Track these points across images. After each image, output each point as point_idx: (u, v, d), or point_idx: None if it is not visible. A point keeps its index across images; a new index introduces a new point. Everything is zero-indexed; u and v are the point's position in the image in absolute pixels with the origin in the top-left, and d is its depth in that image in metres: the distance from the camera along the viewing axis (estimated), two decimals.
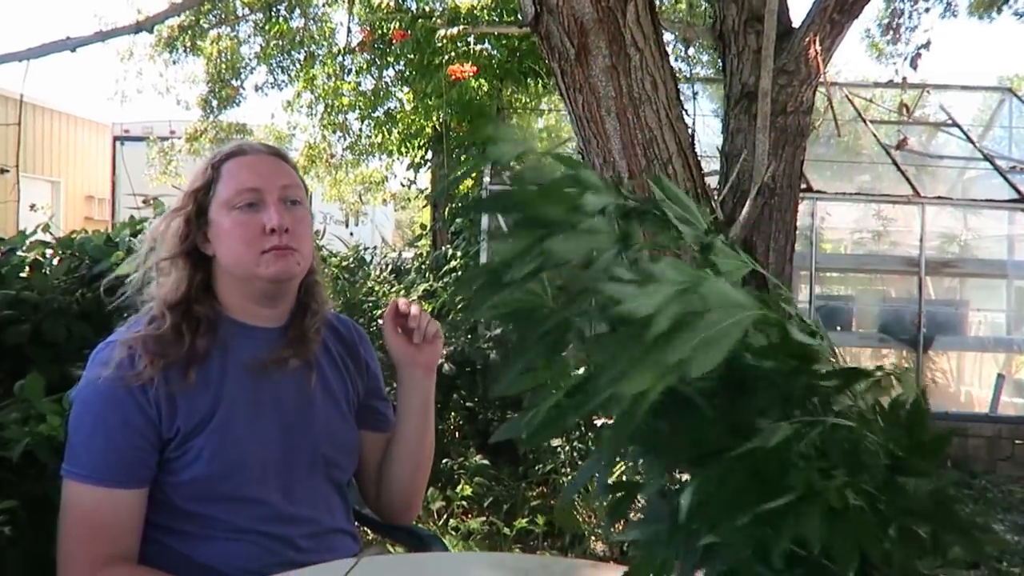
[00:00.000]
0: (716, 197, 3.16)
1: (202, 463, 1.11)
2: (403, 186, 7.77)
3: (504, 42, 5.67)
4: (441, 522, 2.55)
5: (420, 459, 1.33)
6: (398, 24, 5.36)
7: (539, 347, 0.63)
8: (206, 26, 7.15)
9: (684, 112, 3.28)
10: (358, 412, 1.33)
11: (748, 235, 3.10)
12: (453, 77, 4.89)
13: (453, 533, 2.52)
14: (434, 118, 6.31)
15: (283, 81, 7.43)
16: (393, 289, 4.66)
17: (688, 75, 5.20)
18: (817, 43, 3.07)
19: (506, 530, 2.56)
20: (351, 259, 4.60)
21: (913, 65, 5.04)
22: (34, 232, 2.70)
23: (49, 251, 2.27)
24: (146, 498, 1.11)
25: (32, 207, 3.69)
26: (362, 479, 1.38)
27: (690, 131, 3.15)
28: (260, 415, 1.18)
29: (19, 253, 2.31)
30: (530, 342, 0.60)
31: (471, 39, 5.17)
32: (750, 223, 3.08)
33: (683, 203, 0.64)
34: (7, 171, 11.69)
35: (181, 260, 1.19)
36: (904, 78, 5.21)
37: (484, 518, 2.70)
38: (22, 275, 2.12)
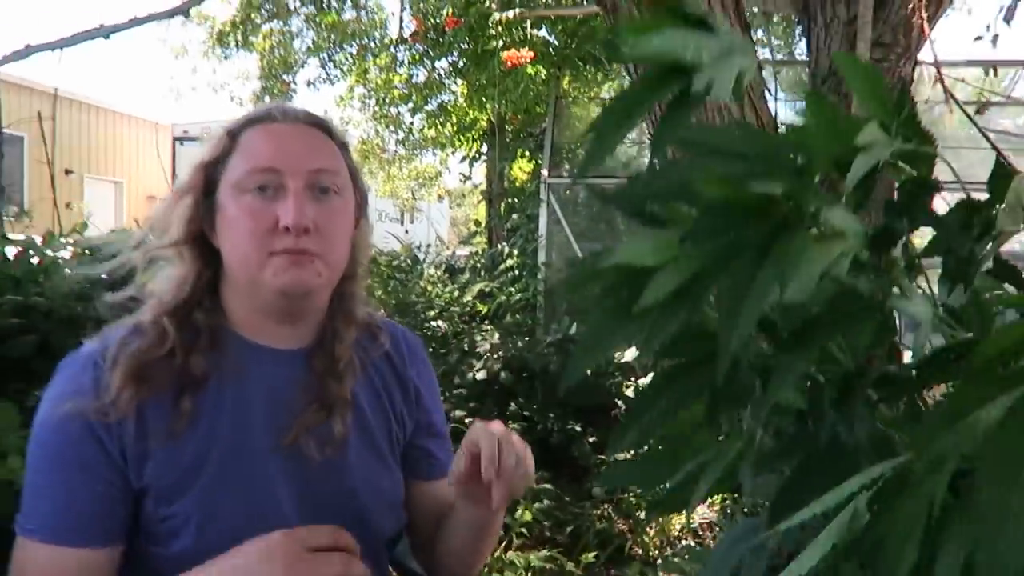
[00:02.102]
0: None
1: (189, 534, 0.85)
2: (460, 181, 7.56)
3: (561, 27, 5.37)
4: (498, 553, 2.29)
5: (485, 535, 1.03)
6: (451, 10, 5.11)
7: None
8: (258, 21, 7.04)
9: (767, 90, 2.94)
10: (404, 455, 1.04)
11: None
12: (509, 64, 4.62)
13: (513, 567, 2.25)
14: (488, 110, 6.06)
15: (335, 76, 7.27)
16: (447, 289, 4.42)
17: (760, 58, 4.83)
18: (922, 10, 2.71)
19: (570, 565, 2.29)
20: (403, 258, 4.37)
21: (1007, 19, 4.59)
22: (70, 233, 2.53)
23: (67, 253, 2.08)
24: (116, 561, 0.85)
25: (68, 205, 3.55)
26: (411, 530, 1.09)
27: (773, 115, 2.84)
28: (270, 469, 0.91)
29: (50, 254, 2.13)
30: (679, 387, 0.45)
31: (527, 24, 4.88)
32: None
33: None
34: (72, 172, 11.97)
35: (186, 251, 0.92)
36: (996, 35, 4.78)
37: (546, 552, 2.42)
38: (40, 279, 1.94)
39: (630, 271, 0.41)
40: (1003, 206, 0.42)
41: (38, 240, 2.15)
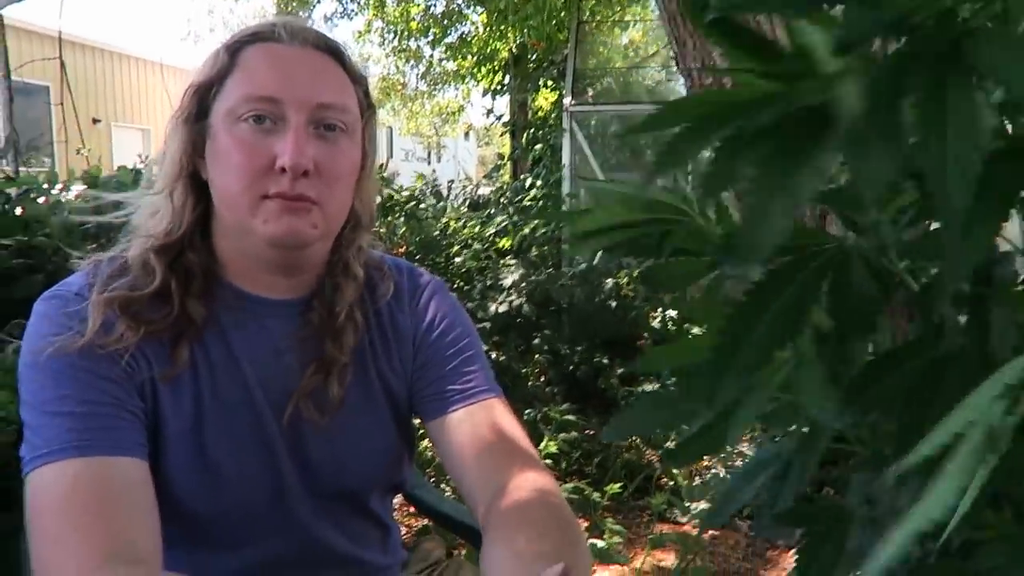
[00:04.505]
0: None
1: (183, 496, 0.81)
2: (483, 115, 7.42)
3: None
4: None
5: None
6: None
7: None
8: None
9: None
10: (412, 398, 0.94)
11: None
12: None
13: None
14: (510, 38, 5.86)
15: (352, 10, 7.09)
16: (469, 223, 4.35)
17: None
18: None
19: (596, 496, 2.27)
20: (421, 190, 4.29)
21: None
22: (82, 175, 2.49)
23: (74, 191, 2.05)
24: (148, 476, 0.76)
25: (78, 151, 3.51)
26: (445, 466, 0.94)
27: None
28: (267, 425, 0.85)
29: (53, 193, 2.11)
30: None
31: None
32: None
33: None
34: (99, 121, 12.01)
35: (180, 185, 0.84)
36: None
37: (572, 484, 2.41)
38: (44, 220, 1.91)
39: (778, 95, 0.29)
40: None
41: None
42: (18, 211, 1.89)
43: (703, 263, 0.42)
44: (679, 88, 4.46)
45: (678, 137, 0.30)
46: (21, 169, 2.99)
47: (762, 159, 0.29)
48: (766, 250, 0.28)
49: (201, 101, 0.83)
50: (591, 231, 0.37)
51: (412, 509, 2.19)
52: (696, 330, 3.41)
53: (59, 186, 2.12)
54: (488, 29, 6.09)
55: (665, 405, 0.44)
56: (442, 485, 2.39)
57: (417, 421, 0.97)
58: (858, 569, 0.49)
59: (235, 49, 0.83)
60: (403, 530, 1.19)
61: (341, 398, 0.87)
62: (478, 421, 0.88)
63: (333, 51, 0.85)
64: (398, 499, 1.16)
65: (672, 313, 3.38)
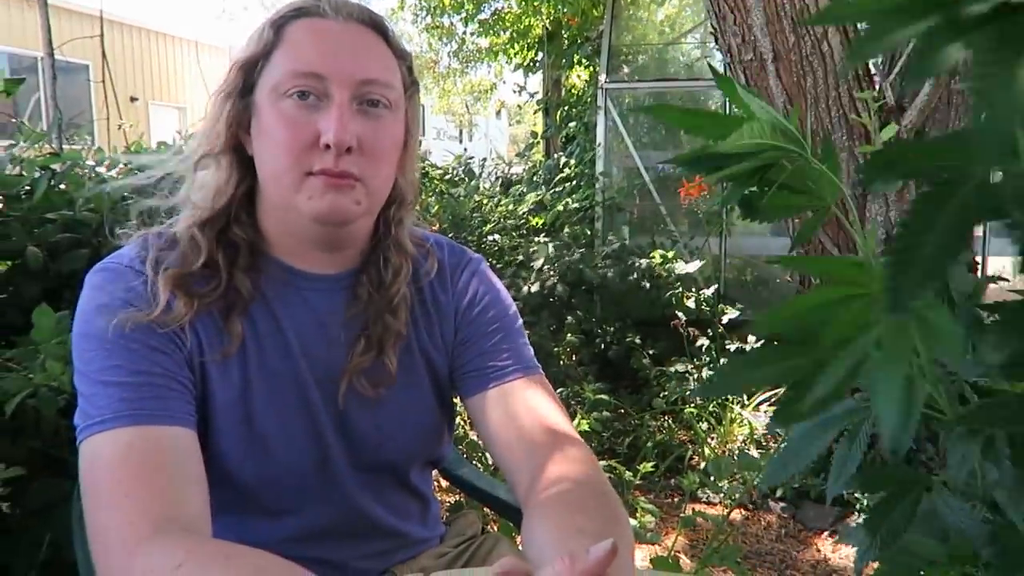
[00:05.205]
0: (883, 79, 2.61)
1: (231, 464, 0.83)
2: (514, 92, 7.36)
3: None
4: None
5: None
6: None
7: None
8: None
9: None
10: (452, 375, 0.95)
11: (922, 125, 2.55)
12: None
13: None
14: (544, 14, 5.80)
15: None
16: (502, 202, 4.34)
17: None
18: None
19: (628, 475, 2.27)
20: (455, 170, 4.29)
21: None
22: (124, 152, 2.53)
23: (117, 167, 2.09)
24: (197, 445, 0.78)
25: (119, 127, 3.57)
26: (485, 444, 0.95)
27: None
28: (313, 397, 0.87)
29: (99, 170, 2.15)
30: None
31: None
32: (928, 110, 2.52)
33: None
34: (136, 99, 12.18)
35: (224, 158, 0.85)
36: None
37: (604, 463, 2.42)
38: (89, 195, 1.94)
39: None
40: None
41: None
42: (62, 187, 1.93)
43: (803, 199, 0.45)
44: (716, 64, 4.38)
45: (879, 18, 0.26)
46: (64, 146, 3.05)
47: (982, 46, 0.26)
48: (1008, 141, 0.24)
49: (246, 77, 0.83)
50: (721, 152, 0.37)
51: (444, 484, 2.22)
52: (731, 312, 3.37)
53: (106, 163, 2.15)
54: (522, 5, 6.03)
55: (756, 366, 0.42)
56: (474, 462, 2.41)
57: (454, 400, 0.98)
58: (927, 532, 0.48)
59: (280, 24, 0.83)
60: None
61: (396, 371, 0.88)
62: (518, 398, 0.89)
63: (377, 26, 0.85)
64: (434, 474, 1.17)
65: (708, 293, 3.35)
